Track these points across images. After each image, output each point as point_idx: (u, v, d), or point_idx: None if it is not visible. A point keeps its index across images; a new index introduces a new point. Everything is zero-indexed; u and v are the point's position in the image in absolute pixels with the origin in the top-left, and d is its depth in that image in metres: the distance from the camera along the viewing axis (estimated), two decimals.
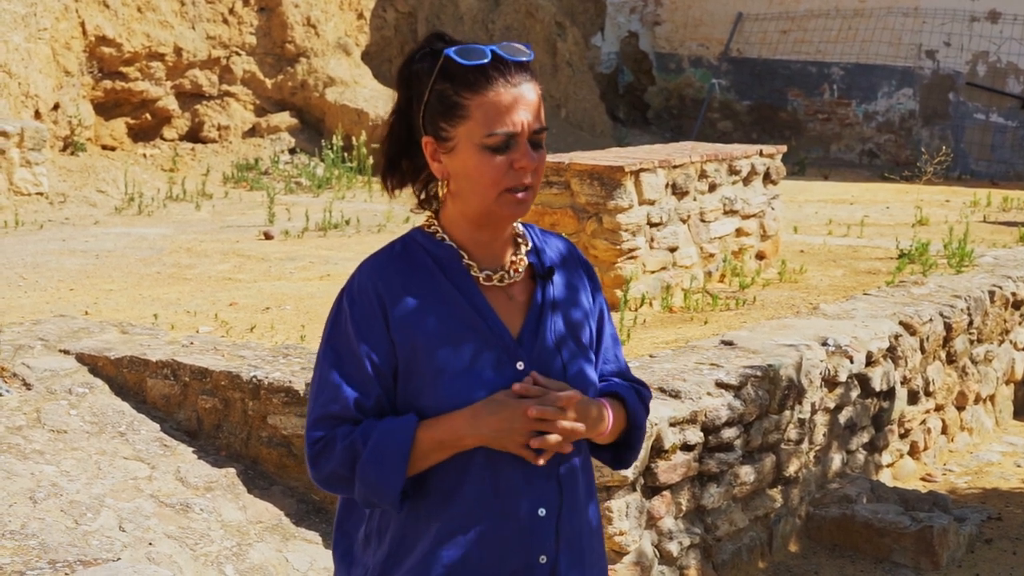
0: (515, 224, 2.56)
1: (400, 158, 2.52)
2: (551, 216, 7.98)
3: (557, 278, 2.57)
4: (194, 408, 5.94)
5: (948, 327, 7.45)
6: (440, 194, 2.52)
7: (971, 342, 7.84)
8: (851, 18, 18.74)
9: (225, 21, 15.63)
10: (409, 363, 2.42)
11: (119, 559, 4.33)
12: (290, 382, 5.71)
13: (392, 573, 2.47)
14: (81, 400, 5.86)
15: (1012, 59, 17.70)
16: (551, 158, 8.26)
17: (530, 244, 2.57)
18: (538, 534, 2.48)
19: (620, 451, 2.65)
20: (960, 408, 7.83)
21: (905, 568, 5.86)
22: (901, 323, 7.06)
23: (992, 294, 8.03)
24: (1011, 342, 8.43)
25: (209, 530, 5.17)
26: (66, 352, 6.23)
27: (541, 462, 2.42)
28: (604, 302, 2.69)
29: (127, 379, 6.08)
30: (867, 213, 12.35)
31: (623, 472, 4.89)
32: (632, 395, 2.64)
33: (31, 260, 9.27)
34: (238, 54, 15.76)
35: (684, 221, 8.43)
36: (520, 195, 2.42)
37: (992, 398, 8.23)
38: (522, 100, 2.40)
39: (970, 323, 7.75)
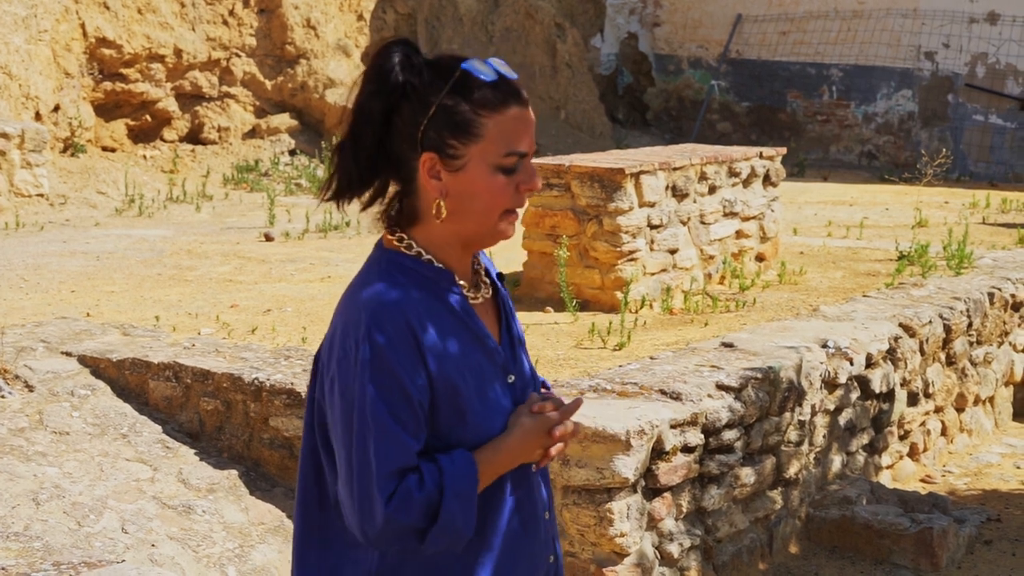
0: None
1: (369, 171, 2.38)
2: (552, 218, 8.00)
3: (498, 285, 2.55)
4: (196, 410, 5.96)
5: (947, 329, 7.47)
6: (421, 211, 2.37)
7: (970, 344, 7.85)
8: (850, 20, 18.76)
9: (225, 23, 15.65)
10: (446, 395, 2.33)
11: (123, 561, 4.34)
12: (292, 384, 5.72)
13: None
14: (83, 402, 5.87)
15: (1011, 60, 17.72)
16: (551, 160, 8.28)
17: (477, 256, 2.51)
18: (548, 535, 2.54)
19: None
20: (959, 410, 7.84)
21: (905, 569, 5.87)
22: (901, 325, 7.08)
23: (991, 296, 8.05)
24: (1010, 344, 8.45)
25: (211, 532, 5.19)
26: (68, 354, 6.25)
27: (543, 465, 2.47)
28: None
29: (129, 381, 6.10)
30: (866, 215, 12.37)
31: (624, 474, 4.91)
32: (550, 389, 2.67)
33: (32, 262, 9.28)
34: (238, 56, 15.78)
35: (684, 223, 8.45)
36: (514, 216, 2.39)
37: (991, 400, 8.25)
38: (529, 121, 2.36)
39: (969, 325, 7.77)
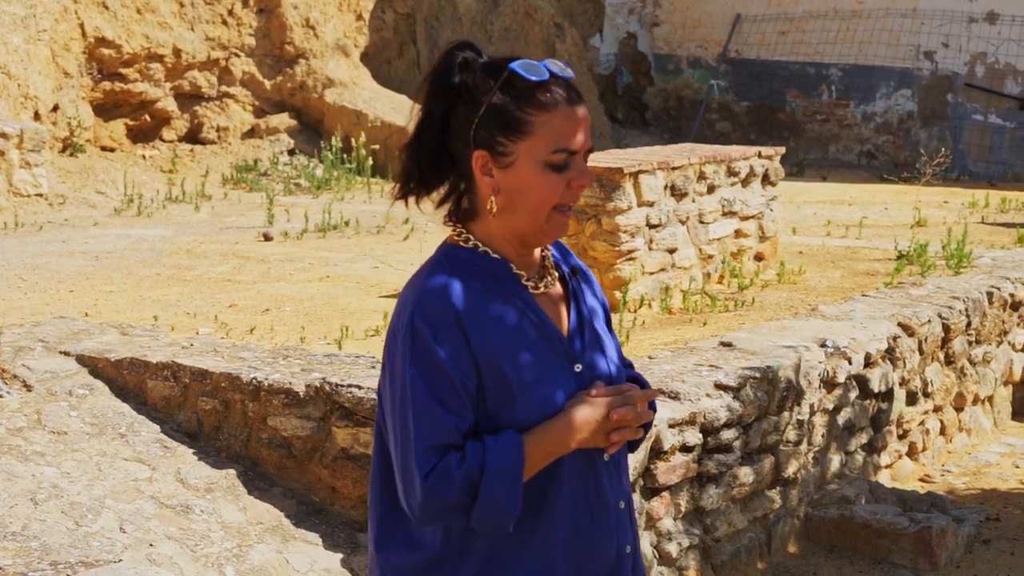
0: None
1: (432, 169, 2.49)
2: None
3: (577, 278, 2.62)
4: (194, 409, 5.95)
5: (946, 328, 7.47)
6: (479, 207, 2.48)
7: (969, 343, 7.85)
8: (849, 19, 18.76)
9: (224, 22, 15.65)
10: (492, 378, 2.41)
11: (120, 560, 4.34)
12: (290, 383, 5.72)
13: None
14: (81, 402, 5.87)
15: (1010, 60, 17.72)
16: None
17: (550, 248, 2.60)
18: (621, 525, 2.57)
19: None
20: (958, 409, 7.84)
21: (903, 569, 5.87)
22: (899, 324, 7.08)
23: (990, 295, 8.05)
24: (1009, 343, 8.45)
25: (209, 531, 5.19)
26: (66, 354, 6.24)
27: (611, 453, 2.50)
28: (604, 297, 2.74)
29: (127, 381, 6.10)
30: (865, 214, 12.37)
31: None
32: (643, 378, 2.72)
33: (31, 261, 9.28)
34: (237, 55, 15.77)
35: (683, 222, 8.44)
36: (566, 214, 2.46)
37: (990, 399, 8.25)
38: (580, 119, 2.43)
39: (968, 324, 7.77)
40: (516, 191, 2.42)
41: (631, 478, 5.01)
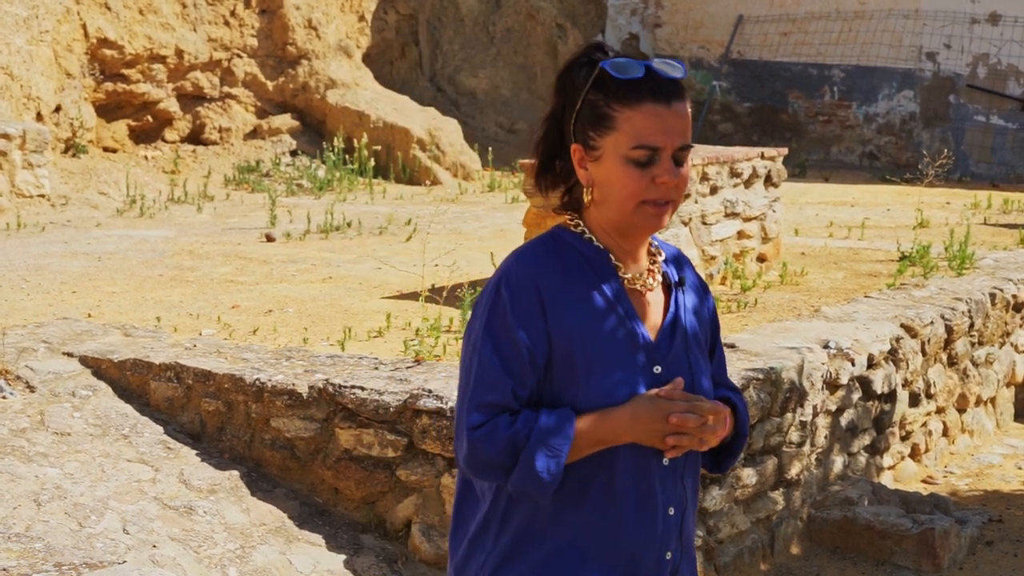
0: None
1: (553, 161, 2.59)
2: (553, 219, 7.98)
3: (686, 289, 2.66)
4: (197, 411, 5.96)
5: (949, 329, 7.47)
6: (584, 199, 2.57)
7: (972, 344, 7.85)
8: (851, 20, 18.75)
9: (226, 23, 15.65)
10: (562, 356, 2.48)
11: (124, 562, 4.34)
12: (293, 385, 5.72)
13: (516, 558, 2.54)
14: (84, 403, 5.87)
15: (1012, 61, 17.72)
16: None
17: (663, 255, 2.65)
18: (668, 531, 2.57)
19: (721, 456, 2.73)
20: (961, 410, 7.84)
21: (906, 570, 5.87)
22: (902, 326, 7.08)
23: (993, 296, 8.05)
24: (1012, 344, 8.45)
25: (212, 533, 5.19)
26: (69, 355, 6.25)
27: (670, 456, 2.52)
28: (717, 314, 2.78)
29: (130, 382, 6.10)
30: (868, 215, 12.37)
31: None
32: (741, 405, 2.72)
33: (33, 262, 9.28)
34: (239, 56, 15.78)
35: (685, 223, 8.44)
36: (658, 208, 2.50)
37: (993, 400, 8.24)
38: (669, 117, 2.47)
39: (971, 325, 7.77)
40: (605, 184, 2.50)
41: None
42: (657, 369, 2.53)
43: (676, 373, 2.54)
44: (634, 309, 2.55)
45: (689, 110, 2.53)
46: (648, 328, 2.56)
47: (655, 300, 2.60)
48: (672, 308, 2.61)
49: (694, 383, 2.58)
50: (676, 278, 2.65)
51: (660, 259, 2.64)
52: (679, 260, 2.71)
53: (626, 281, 2.56)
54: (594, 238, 2.56)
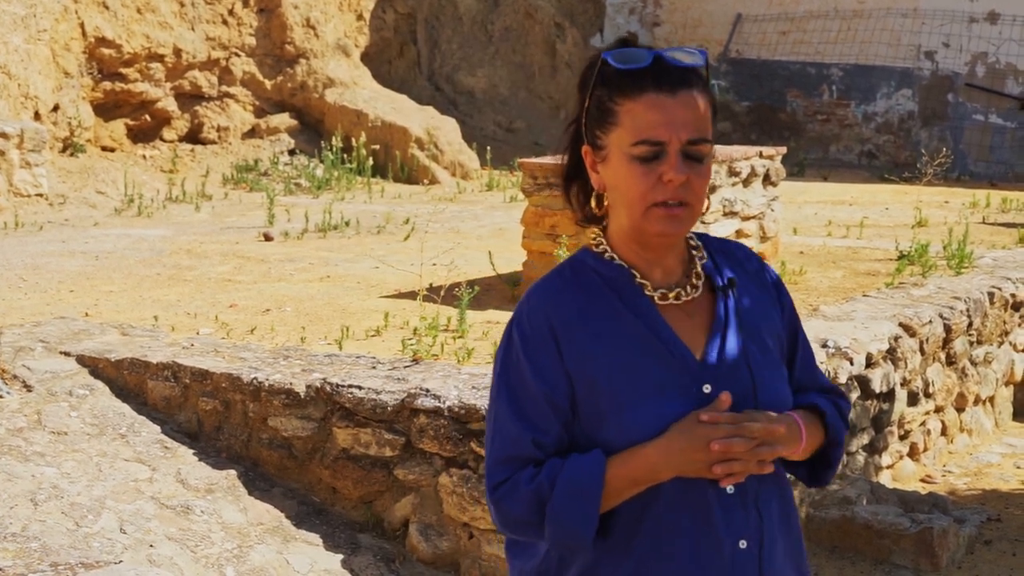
0: (689, 236, 2.39)
1: (574, 171, 2.38)
2: (551, 218, 7.99)
3: (739, 290, 2.38)
4: (195, 410, 5.95)
5: (948, 329, 7.46)
6: (604, 206, 2.36)
7: (971, 343, 7.85)
8: (850, 19, 18.75)
9: (224, 22, 15.64)
10: (587, 395, 2.26)
11: (120, 561, 4.33)
12: (290, 384, 5.71)
13: None
14: (82, 402, 5.86)
15: (1011, 60, 17.72)
16: (550, 160, 8.26)
17: (705, 255, 2.39)
18: (741, 567, 2.29)
19: (817, 468, 2.46)
20: (960, 409, 7.83)
21: (905, 569, 5.86)
22: (901, 325, 7.07)
23: (991, 295, 8.04)
24: (1010, 343, 8.44)
25: (210, 532, 5.18)
26: (67, 354, 6.24)
27: (725, 485, 2.25)
28: (796, 313, 2.49)
29: (128, 381, 6.09)
30: (866, 214, 12.36)
31: None
32: (831, 409, 2.44)
33: (31, 262, 9.27)
34: (237, 55, 15.77)
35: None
36: (671, 210, 2.23)
37: (991, 399, 8.24)
38: (674, 107, 2.22)
39: (969, 324, 7.76)
40: (613, 187, 2.28)
41: None
42: (707, 388, 2.26)
43: (731, 387, 2.27)
44: (669, 327, 2.29)
45: (704, 100, 2.24)
46: (691, 344, 2.30)
47: (699, 311, 2.34)
48: (720, 316, 2.33)
49: (757, 395, 2.29)
50: (723, 281, 2.36)
51: (699, 264, 2.36)
52: (735, 257, 2.43)
53: (656, 298, 2.30)
54: (616, 255, 2.32)
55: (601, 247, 2.34)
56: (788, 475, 2.46)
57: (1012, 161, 17.66)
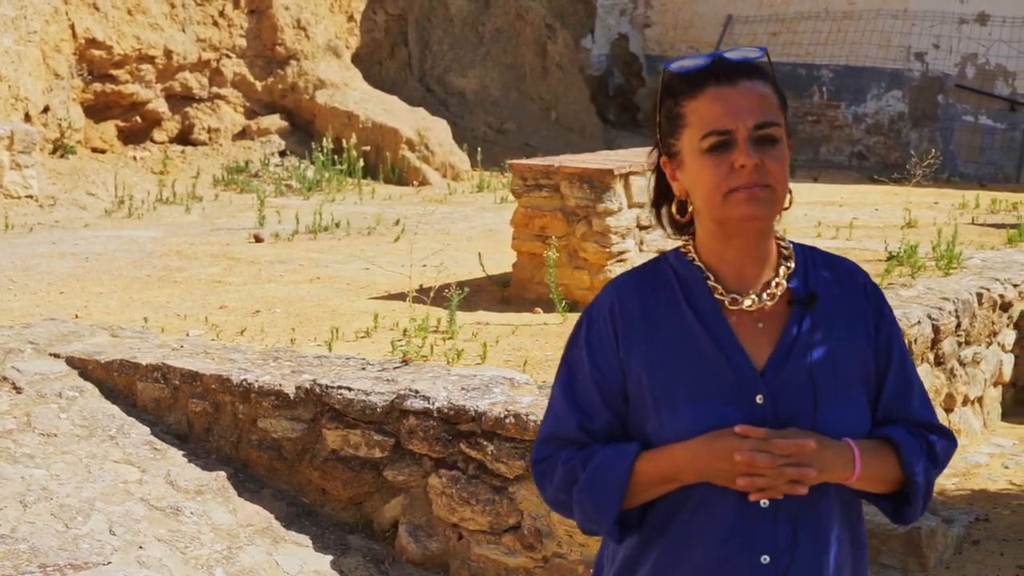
0: (784, 246, 2.39)
1: (663, 190, 2.44)
2: (541, 219, 8.00)
3: (827, 306, 2.35)
4: (184, 411, 5.95)
5: (936, 329, 7.48)
6: (689, 212, 2.39)
7: (959, 344, 7.87)
8: (840, 20, 18.78)
9: (215, 24, 15.63)
10: (636, 388, 2.31)
11: (109, 563, 4.34)
12: (280, 385, 5.72)
13: None
14: (71, 403, 5.86)
15: (1000, 61, 17.76)
16: (539, 161, 8.28)
17: (794, 267, 2.37)
18: None
19: (900, 504, 2.40)
20: (948, 410, 7.85)
21: (893, 569, 5.87)
22: None
23: (980, 296, 8.06)
24: (999, 344, 8.46)
25: (199, 533, 5.18)
26: (56, 356, 6.24)
27: (757, 499, 2.24)
28: (897, 338, 2.41)
29: (117, 382, 6.09)
30: (856, 215, 12.39)
31: None
32: (910, 443, 2.35)
33: (21, 263, 9.27)
34: (228, 56, 15.76)
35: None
36: (752, 191, 2.24)
37: (980, 400, 8.26)
38: (736, 96, 2.26)
39: (958, 325, 7.78)
40: (693, 187, 2.31)
41: None
42: (759, 399, 2.26)
43: (788, 403, 2.26)
44: (731, 332, 2.30)
45: (768, 88, 2.29)
46: (754, 354, 2.29)
47: (771, 321, 2.32)
48: (792, 330, 2.31)
49: (817, 416, 2.26)
50: (804, 294, 2.34)
51: (786, 272, 2.35)
52: (836, 273, 2.40)
53: (726, 302, 2.31)
54: (697, 257, 2.35)
55: (686, 247, 2.39)
56: (871, 505, 2.44)
57: (1001, 162, 17.70)
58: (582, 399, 2.35)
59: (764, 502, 2.25)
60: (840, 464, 2.25)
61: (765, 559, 2.26)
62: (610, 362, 2.33)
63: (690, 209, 2.36)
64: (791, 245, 2.40)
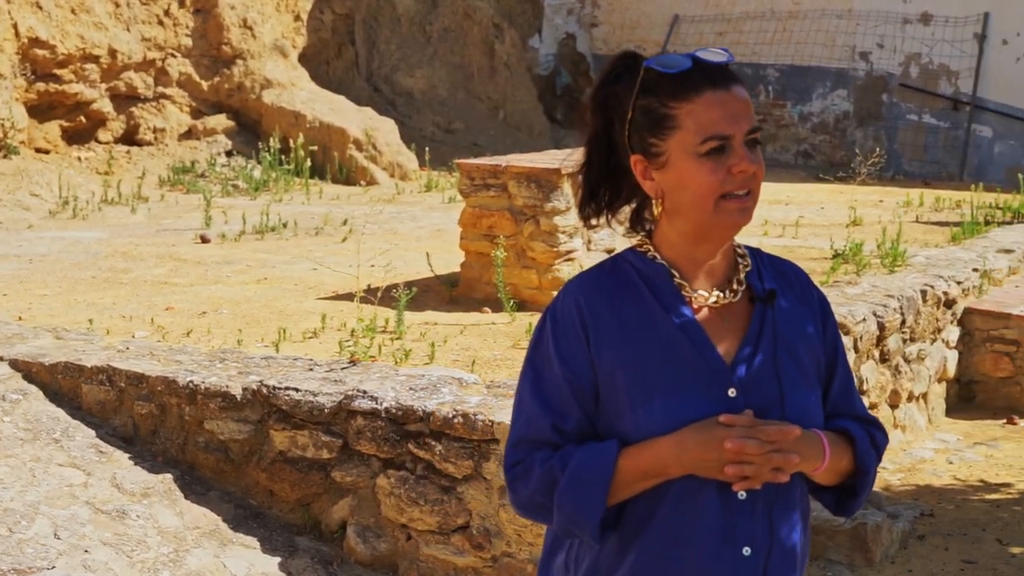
0: (737, 245, 2.44)
1: (600, 186, 2.44)
2: (489, 219, 8.00)
3: (781, 304, 2.42)
4: (130, 414, 5.90)
5: (881, 326, 7.54)
6: (655, 214, 2.41)
7: (904, 341, 7.94)
8: (786, 20, 18.91)
9: (160, 23, 15.52)
10: (609, 385, 2.31)
11: (54, 567, 4.30)
12: (227, 386, 5.69)
13: None
14: (15, 407, 5.80)
15: (944, 60, 17.93)
16: (487, 161, 8.28)
17: (751, 265, 2.43)
18: (742, 574, 2.32)
19: (844, 497, 2.48)
20: (893, 406, 7.92)
21: (839, 565, 5.92)
22: None
23: (924, 293, 8.14)
24: (943, 341, 8.54)
25: (145, 536, 5.14)
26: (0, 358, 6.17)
27: (738, 489, 2.29)
28: (839, 337, 2.51)
29: (62, 385, 6.04)
30: (802, 214, 12.47)
31: None
32: (863, 437, 2.46)
33: None
34: (174, 56, 15.65)
35: (621, 223, 8.47)
36: (740, 201, 2.30)
37: (925, 396, 8.33)
38: (732, 102, 2.29)
39: (903, 322, 7.85)
40: (676, 189, 2.31)
41: None
42: (732, 392, 2.30)
43: (758, 396, 2.31)
44: (701, 328, 2.33)
45: (747, 93, 2.34)
46: (723, 349, 2.34)
47: (735, 317, 2.37)
48: (754, 325, 2.37)
49: (785, 408, 2.32)
50: (763, 291, 2.41)
51: (745, 271, 2.41)
52: (783, 273, 2.48)
53: (693, 299, 2.35)
54: (658, 255, 2.38)
55: (644, 247, 2.41)
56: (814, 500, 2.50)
57: (945, 160, 17.88)
58: (553, 399, 2.34)
59: (742, 494, 2.28)
60: (812, 453, 2.31)
61: (746, 551, 2.30)
62: (580, 360, 2.33)
63: (659, 209, 2.38)
64: (743, 246, 2.46)
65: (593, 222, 2.48)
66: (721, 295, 2.37)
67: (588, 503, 2.27)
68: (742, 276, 2.40)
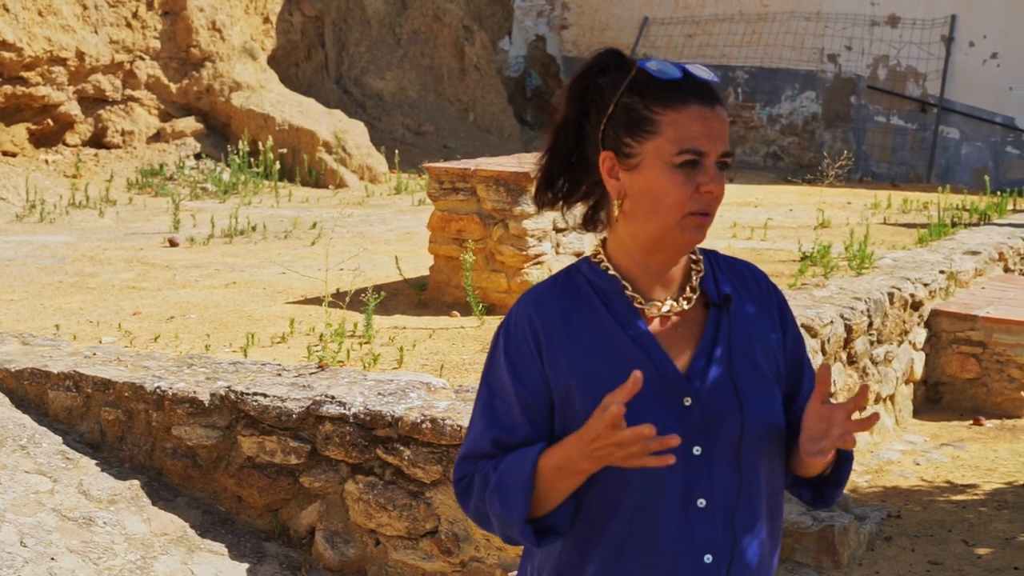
0: (693, 250, 2.42)
1: (559, 175, 2.42)
2: (458, 222, 8.00)
3: (736, 307, 2.42)
4: (97, 420, 5.88)
5: (848, 328, 7.58)
6: (613, 215, 2.38)
7: (871, 343, 7.98)
8: (755, 22, 18.98)
9: (129, 25, 15.46)
10: (563, 399, 2.31)
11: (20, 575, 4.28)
12: (195, 392, 5.67)
13: None
14: None
15: (911, 63, 18.03)
16: (456, 164, 8.28)
17: (704, 270, 2.43)
18: None
19: (823, 487, 2.52)
20: (861, 409, 7.95)
21: (807, 567, 5.95)
22: (802, 325, 7.16)
23: (891, 296, 8.18)
24: (910, 342, 8.59)
25: (113, 544, 5.12)
26: None
27: (702, 501, 2.29)
28: (800, 337, 2.52)
29: (28, 391, 6.01)
30: (771, 216, 12.51)
31: None
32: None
33: None
34: (142, 59, 15.59)
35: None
36: (702, 220, 2.29)
37: (892, 398, 8.38)
38: (713, 120, 2.28)
39: (870, 324, 7.89)
40: (642, 194, 2.29)
41: None
42: (687, 401, 2.29)
43: (714, 403, 2.30)
44: (653, 338, 2.32)
45: (727, 117, 2.34)
46: (677, 357, 2.33)
47: (689, 325, 2.37)
48: (710, 331, 2.36)
49: (744, 413, 2.32)
50: (718, 298, 2.40)
51: (698, 277, 2.41)
52: (741, 276, 2.49)
53: (646, 310, 2.34)
54: (611, 265, 2.37)
55: (598, 257, 2.40)
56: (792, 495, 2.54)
57: (913, 162, 17.98)
58: (501, 415, 2.35)
59: (701, 501, 2.29)
60: None
61: (708, 558, 2.31)
62: (533, 376, 2.33)
63: (618, 212, 2.36)
64: (698, 250, 2.44)
65: (547, 212, 2.48)
66: (674, 304, 2.37)
67: (512, 502, 2.27)
68: (695, 283, 2.40)
